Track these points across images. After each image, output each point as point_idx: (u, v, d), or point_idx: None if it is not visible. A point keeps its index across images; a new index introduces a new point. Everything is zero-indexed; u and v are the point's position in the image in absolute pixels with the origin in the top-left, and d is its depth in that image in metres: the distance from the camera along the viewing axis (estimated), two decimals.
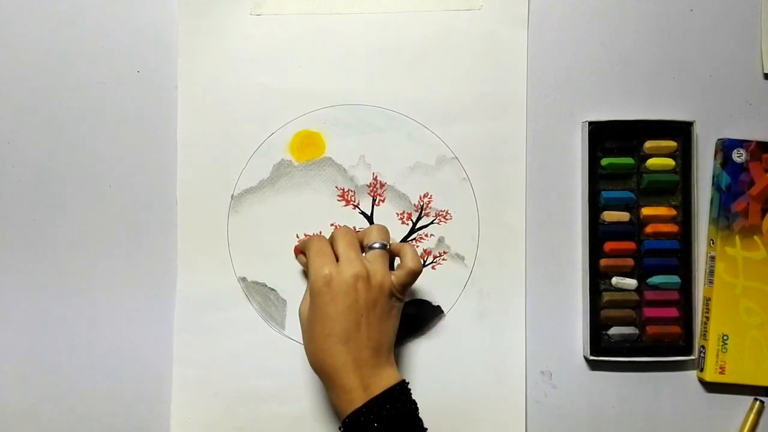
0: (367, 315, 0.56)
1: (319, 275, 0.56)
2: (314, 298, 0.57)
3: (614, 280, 0.65)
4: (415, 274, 0.59)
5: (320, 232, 0.66)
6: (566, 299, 0.66)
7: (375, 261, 0.58)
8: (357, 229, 0.65)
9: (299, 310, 0.59)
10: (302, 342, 0.59)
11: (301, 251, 0.63)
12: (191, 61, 0.66)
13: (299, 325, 0.59)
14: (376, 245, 0.59)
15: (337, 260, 0.57)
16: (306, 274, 0.63)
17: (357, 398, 0.55)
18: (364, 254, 0.59)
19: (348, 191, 0.66)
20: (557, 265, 0.66)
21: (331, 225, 0.66)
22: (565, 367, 0.66)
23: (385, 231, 0.60)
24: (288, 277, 0.66)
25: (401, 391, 0.56)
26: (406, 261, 0.59)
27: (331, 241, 0.59)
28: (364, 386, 0.55)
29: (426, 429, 0.56)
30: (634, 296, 0.65)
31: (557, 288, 0.66)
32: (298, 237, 0.66)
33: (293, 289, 0.66)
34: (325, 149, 0.66)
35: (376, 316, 0.57)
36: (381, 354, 0.57)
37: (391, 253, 0.60)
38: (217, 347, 0.66)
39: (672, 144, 0.65)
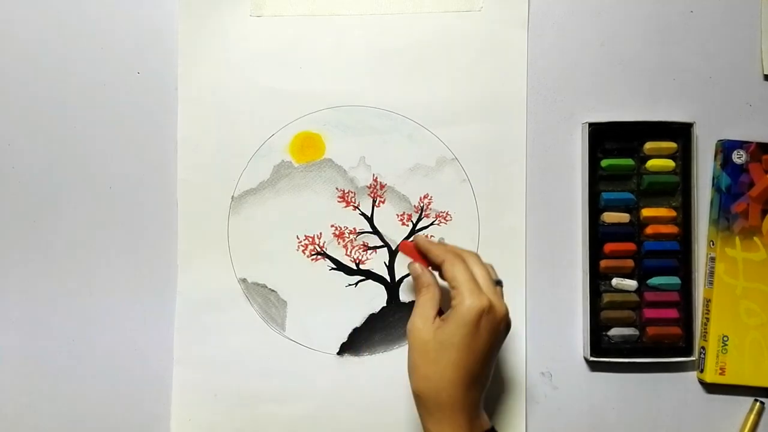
0: (494, 355, 0.55)
1: (476, 305, 0.53)
2: (460, 326, 0.53)
3: (614, 281, 0.65)
4: None
5: (320, 234, 0.66)
6: (566, 300, 0.66)
7: (504, 300, 0.56)
8: (357, 229, 0.66)
9: (415, 325, 0.55)
10: (408, 357, 0.55)
11: (423, 256, 0.59)
12: (191, 62, 0.66)
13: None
14: (497, 279, 0.57)
15: None
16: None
17: None
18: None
19: (348, 192, 0.66)
20: (557, 266, 0.66)
21: (332, 226, 0.66)
22: (565, 368, 0.66)
23: (494, 269, 0.58)
24: (288, 278, 0.66)
25: None
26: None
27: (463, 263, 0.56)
28: (470, 427, 0.53)
29: None
30: (634, 297, 0.65)
31: (557, 289, 0.66)
32: (298, 238, 0.66)
33: (293, 291, 0.66)
34: (325, 150, 0.66)
35: (496, 356, 0.55)
36: (485, 392, 0.56)
37: None
38: (217, 348, 0.66)
39: (672, 145, 0.65)
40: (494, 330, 0.54)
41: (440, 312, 0.56)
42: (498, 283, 0.56)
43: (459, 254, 0.57)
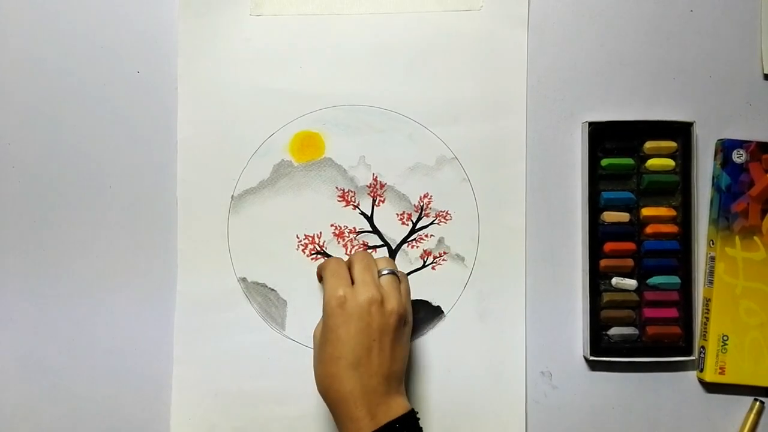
0: (380, 340, 0.55)
1: (333, 296, 0.56)
2: (327, 319, 0.56)
3: (614, 280, 0.65)
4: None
5: (320, 233, 0.66)
6: (566, 300, 0.66)
7: (388, 286, 0.57)
8: (357, 228, 0.66)
9: (314, 333, 0.59)
10: (312, 364, 0.58)
11: (319, 275, 0.63)
12: (191, 61, 0.66)
13: (311, 340, 0.59)
14: (386, 272, 0.58)
15: (353, 283, 0.57)
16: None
17: (364, 427, 0.54)
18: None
19: (348, 192, 0.66)
20: (557, 266, 0.66)
21: (331, 225, 0.66)
22: (565, 367, 0.66)
23: (392, 262, 0.61)
24: (288, 277, 0.66)
25: (409, 420, 0.55)
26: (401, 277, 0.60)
27: (348, 264, 0.59)
28: (371, 415, 0.54)
29: None
30: (634, 297, 0.65)
31: (557, 288, 0.66)
32: (298, 237, 0.66)
33: (293, 290, 0.66)
34: (325, 150, 0.66)
35: (388, 342, 0.56)
36: (391, 382, 0.56)
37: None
38: (217, 347, 0.66)
39: (672, 144, 0.65)
40: (357, 315, 0.55)
41: None
42: (391, 273, 0.58)
43: (338, 258, 0.61)
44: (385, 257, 0.61)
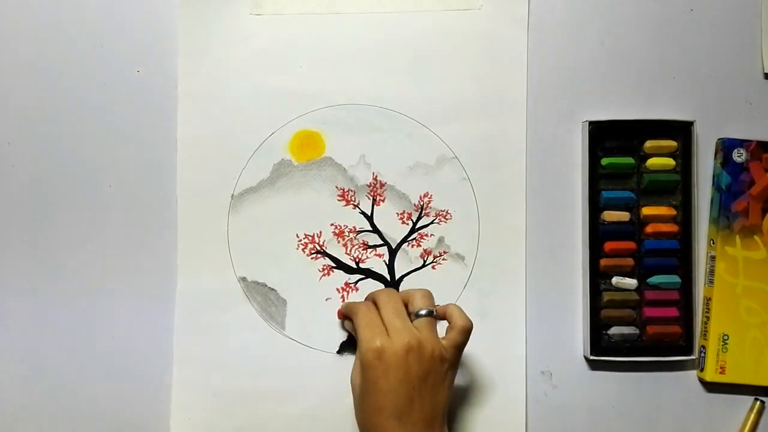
0: (420, 388, 0.55)
1: (369, 348, 0.55)
2: (365, 371, 0.55)
3: (614, 279, 0.65)
4: (467, 332, 0.58)
5: (320, 233, 0.66)
6: (566, 299, 0.66)
7: (424, 329, 0.56)
8: (357, 228, 0.66)
9: (351, 379, 0.58)
10: (354, 412, 0.58)
11: (345, 316, 0.62)
12: (191, 61, 0.66)
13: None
14: (423, 312, 0.58)
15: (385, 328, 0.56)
16: (351, 336, 0.64)
17: None
18: (411, 321, 0.57)
19: (348, 191, 0.66)
20: (557, 265, 0.66)
21: (331, 225, 0.66)
22: (565, 366, 0.66)
23: (429, 296, 0.59)
24: (288, 276, 0.66)
25: None
26: (455, 320, 0.58)
27: (375, 304, 0.58)
28: None
29: None
30: (635, 296, 0.65)
31: (557, 288, 0.66)
32: (298, 237, 0.66)
33: (293, 289, 0.66)
34: (325, 149, 0.66)
35: (429, 388, 0.55)
36: (434, 427, 0.55)
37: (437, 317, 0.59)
38: (217, 347, 0.66)
39: (672, 144, 0.65)
40: (395, 365, 0.54)
41: None
42: (430, 314, 0.57)
43: (367, 302, 0.59)
44: (420, 291, 0.59)
